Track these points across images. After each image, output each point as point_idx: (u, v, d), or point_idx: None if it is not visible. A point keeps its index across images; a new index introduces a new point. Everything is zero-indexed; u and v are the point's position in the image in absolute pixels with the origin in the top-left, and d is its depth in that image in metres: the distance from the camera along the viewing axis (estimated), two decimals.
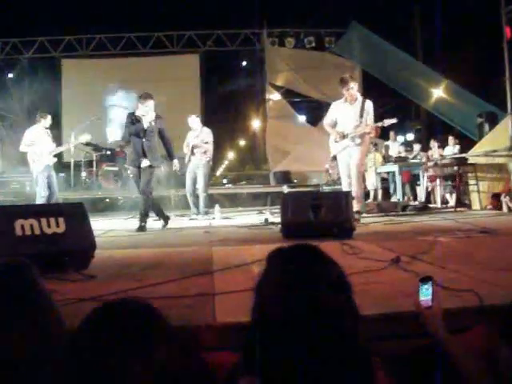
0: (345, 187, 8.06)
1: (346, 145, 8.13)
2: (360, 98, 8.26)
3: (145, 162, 8.22)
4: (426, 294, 1.96)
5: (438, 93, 15.43)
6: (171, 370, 1.20)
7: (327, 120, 8.53)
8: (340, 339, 1.32)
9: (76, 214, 4.12)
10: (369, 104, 8.18)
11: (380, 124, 8.22)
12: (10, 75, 18.77)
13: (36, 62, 18.77)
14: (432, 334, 1.87)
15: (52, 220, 3.89)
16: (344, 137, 8.14)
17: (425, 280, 1.97)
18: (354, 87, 8.29)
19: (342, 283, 1.44)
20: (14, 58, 18.45)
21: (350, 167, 8.20)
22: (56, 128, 18.43)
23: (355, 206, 7.96)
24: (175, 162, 9.36)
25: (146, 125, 8.20)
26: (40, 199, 10.01)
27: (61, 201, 12.10)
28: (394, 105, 17.29)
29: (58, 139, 18.47)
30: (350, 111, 8.18)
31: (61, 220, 3.94)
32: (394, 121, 8.28)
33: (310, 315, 1.31)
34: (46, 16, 18.46)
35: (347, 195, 6.21)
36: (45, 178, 10.27)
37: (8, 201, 13.03)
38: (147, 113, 8.23)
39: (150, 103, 8.35)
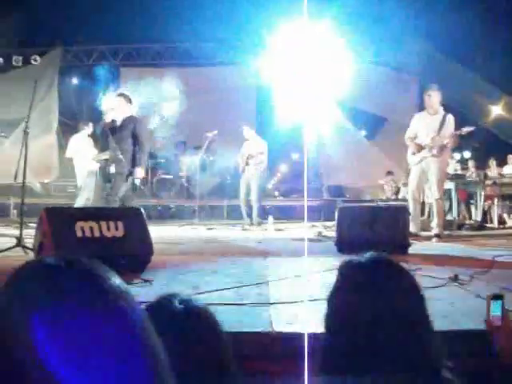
0: (410, 201, 7.85)
1: (422, 156, 7.92)
2: (442, 112, 8.06)
3: (112, 168, 7.49)
4: (495, 311, 1.92)
5: (497, 110, 15.15)
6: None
7: (409, 133, 8.30)
8: (417, 350, 1.32)
9: (135, 219, 4.18)
10: (450, 117, 7.97)
11: (458, 132, 8.00)
12: (75, 81, 19.25)
13: (96, 70, 19.20)
14: (499, 353, 1.82)
15: (111, 223, 3.97)
16: (422, 148, 7.92)
17: (496, 298, 1.92)
18: (432, 95, 8.12)
19: (417, 295, 1.45)
20: (76, 65, 18.90)
21: (431, 184, 7.99)
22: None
23: (435, 228, 7.81)
24: (137, 170, 7.61)
25: (109, 124, 7.51)
26: (79, 204, 9.98)
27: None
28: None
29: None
30: (429, 122, 8.00)
31: (120, 224, 4.01)
32: (471, 129, 8.08)
33: (387, 326, 1.32)
34: (107, 25, 18.89)
35: (403, 210, 6.14)
36: (88, 183, 10.27)
37: (64, 204, 13.32)
38: (118, 111, 7.52)
39: (117, 103, 7.59)
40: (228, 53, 18.52)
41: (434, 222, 7.84)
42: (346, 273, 1.55)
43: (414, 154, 8.04)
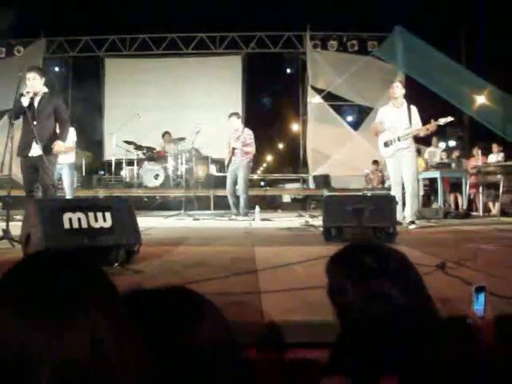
0: (395, 193, 7.85)
1: (397, 148, 8.03)
2: (405, 103, 8.20)
3: (34, 151, 6.80)
4: (479, 303, 1.94)
5: (481, 99, 15.20)
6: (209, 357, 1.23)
7: (375, 126, 8.45)
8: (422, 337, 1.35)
9: (122, 210, 4.18)
10: (414, 109, 8.14)
11: (436, 122, 8.08)
12: (57, 74, 19.12)
13: (80, 61, 19.10)
14: (485, 343, 1.84)
15: (99, 214, 3.96)
16: (391, 142, 8.06)
17: (479, 289, 1.94)
18: (398, 87, 8.27)
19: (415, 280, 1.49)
20: (60, 56, 18.77)
21: (404, 174, 8.09)
22: (98, 125, 18.77)
23: (409, 216, 7.91)
24: (58, 143, 6.94)
25: (26, 102, 6.62)
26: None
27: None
28: (436, 110, 17.06)
29: (99, 137, 18.84)
30: (398, 114, 8.12)
31: (108, 215, 4.01)
32: (450, 119, 8.13)
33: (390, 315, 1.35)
34: (91, 15, 18.78)
35: (391, 199, 6.16)
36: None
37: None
38: (33, 88, 6.75)
39: (32, 75, 6.82)
40: (214, 43, 18.45)
41: (408, 210, 7.93)
42: (338, 263, 1.58)
43: (386, 146, 8.15)
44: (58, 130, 7.11)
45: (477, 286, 1.94)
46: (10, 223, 5.81)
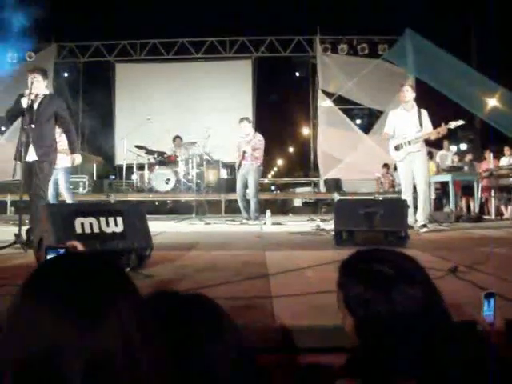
0: (406, 197, 7.81)
1: (407, 151, 8.01)
2: (416, 107, 8.17)
3: (31, 155, 6.37)
4: (489, 309, 1.93)
5: (493, 102, 15.14)
6: (223, 366, 1.24)
7: (387, 129, 8.42)
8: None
9: (134, 214, 4.19)
10: (424, 112, 8.11)
11: (447, 126, 8.06)
12: (66, 78, 19.23)
13: (91, 66, 19.21)
14: (495, 348, 1.84)
15: (111, 219, 3.99)
16: (402, 146, 8.05)
17: (489, 295, 1.94)
18: (408, 90, 8.24)
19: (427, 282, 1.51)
20: (71, 61, 18.89)
21: (415, 178, 8.06)
22: (109, 130, 18.86)
23: (421, 220, 7.88)
24: (74, 156, 6.90)
25: (25, 104, 6.29)
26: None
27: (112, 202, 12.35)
28: (447, 113, 17.00)
29: (110, 142, 18.93)
30: (408, 118, 8.10)
31: (119, 219, 4.03)
32: (460, 122, 8.10)
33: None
34: (102, 21, 18.90)
35: (402, 203, 6.15)
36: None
37: (62, 200, 13.33)
38: (34, 89, 6.40)
39: (34, 76, 6.47)
40: (224, 47, 18.50)
41: (420, 214, 7.90)
42: (349, 268, 1.60)
43: (397, 149, 8.14)
44: (58, 136, 6.89)
45: (486, 292, 1.94)
46: (24, 227, 5.84)
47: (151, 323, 1.09)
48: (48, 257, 2.48)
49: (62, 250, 2.44)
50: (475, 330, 1.89)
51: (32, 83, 6.40)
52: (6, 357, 0.98)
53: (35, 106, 6.41)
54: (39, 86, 6.48)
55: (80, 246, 2.45)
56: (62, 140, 7.51)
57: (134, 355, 0.99)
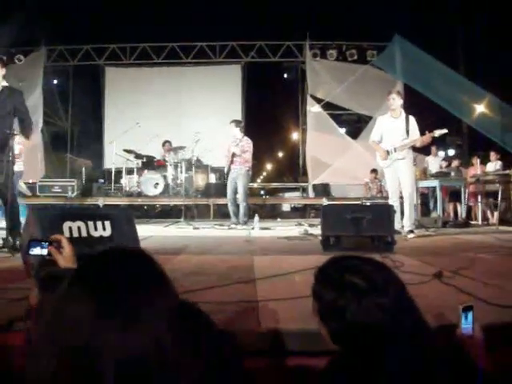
0: (392, 203, 7.85)
1: (394, 158, 8.07)
2: (403, 114, 8.23)
3: None
4: (467, 323, 1.96)
5: (481, 108, 15.23)
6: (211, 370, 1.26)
7: (374, 136, 8.47)
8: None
9: (122, 219, 4.21)
10: (412, 119, 8.16)
11: (431, 134, 8.12)
12: (55, 82, 19.17)
13: (81, 70, 19.17)
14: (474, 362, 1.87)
15: (99, 223, 4.00)
16: (387, 155, 8.11)
17: (466, 309, 1.97)
18: (395, 98, 8.29)
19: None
20: (60, 65, 18.84)
21: (401, 184, 8.12)
22: (98, 133, 18.84)
23: (407, 225, 7.94)
24: (24, 141, 6.42)
25: None
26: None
27: (101, 206, 12.34)
28: (435, 119, 17.09)
29: (99, 146, 18.91)
30: (395, 126, 8.15)
31: (107, 223, 4.05)
32: (444, 131, 8.17)
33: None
34: (91, 24, 18.87)
35: (389, 208, 6.19)
36: None
37: (49, 204, 13.31)
38: None
39: None
40: (214, 52, 18.52)
41: (406, 219, 7.96)
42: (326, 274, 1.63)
43: (383, 159, 8.22)
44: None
45: (464, 306, 1.97)
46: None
47: (181, 323, 1.13)
48: (31, 249, 2.47)
49: (45, 244, 2.44)
50: (454, 333, 1.92)
51: None
52: (47, 344, 1.01)
53: None
54: None
55: (64, 239, 2.45)
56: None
57: (165, 355, 1.02)
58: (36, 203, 12.83)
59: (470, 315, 1.95)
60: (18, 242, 5.59)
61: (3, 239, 5.63)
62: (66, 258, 2.36)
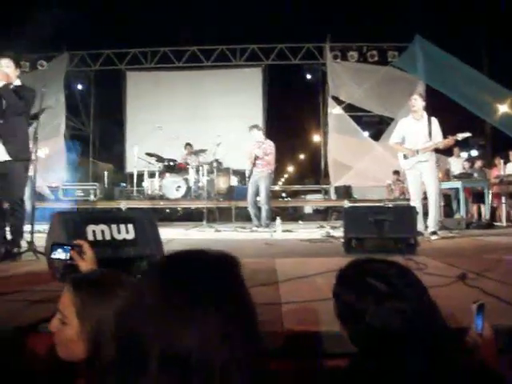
0: (415, 204, 7.79)
1: (416, 160, 8.02)
2: (425, 116, 8.17)
3: (1, 155, 5.77)
4: (478, 320, 1.94)
5: (504, 108, 15.08)
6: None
7: (395, 138, 8.42)
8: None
9: (145, 222, 4.24)
10: (434, 121, 8.10)
11: (454, 137, 8.05)
12: (79, 87, 19.34)
13: (102, 74, 19.32)
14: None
15: (122, 226, 4.03)
16: (415, 153, 8.03)
17: (480, 307, 1.95)
18: (417, 99, 8.24)
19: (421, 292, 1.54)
20: (82, 70, 19.00)
21: (426, 186, 8.07)
22: (120, 137, 18.98)
23: (431, 227, 7.88)
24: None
25: None
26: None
27: (123, 209, 12.42)
28: (457, 120, 16.95)
29: (121, 149, 19.05)
30: (418, 128, 8.10)
31: (130, 227, 4.07)
32: (467, 134, 8.08)
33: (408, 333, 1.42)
34: (112, 29, 19.00)
35: (411, 210, 6.16)
36: None
37: (73, 208, 13.42)
38: (3, 76, 5.76)
39: (4, 63, 5.85)
40: (234, 55, 18.56)
41: (430, 220, 7.90)
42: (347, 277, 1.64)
43: (405, 158, 8.15)
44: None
45: (478, 304, 1.95)
46: (36, 235, 5.87)
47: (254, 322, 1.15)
48: (53, 253, 2.52)
49: (67, 248, 2.48)
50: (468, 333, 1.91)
51: (3, 72, 5.78)
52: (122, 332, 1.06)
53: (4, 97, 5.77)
54: (10, 73, 5.85)
55: (86, 244, 2.48)
56: None
57: (231, 353, 1.03)
58: (59, 207, 12.95)
59: (480, 313, 1.93)
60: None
61: (28, 242, 5.68)
62: (87, 263, 2.39)
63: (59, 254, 2.49)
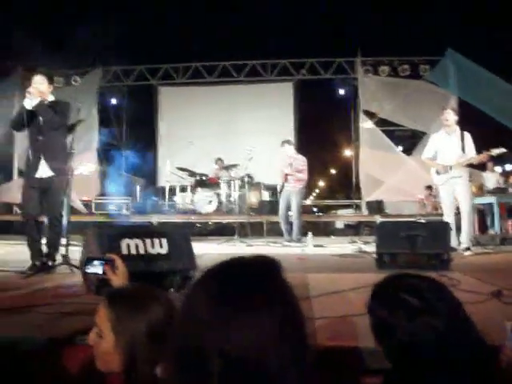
0: (448, 220, 7.70)
1: (450, 176, 7.94)
2: (459, 130, 8.09)
3: (43, 171, 5.85)
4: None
5: None
6: None
7: (427, 153, 8.36)
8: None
9: (179, 236, 4.28)
10: (468, 136, 8.01)
11: (488, 153, 7.95)
12: (112, 101, 19.58)
13: (135, 89, 19.55)
14: None
15: (156, 241, 4.08)
16: (448, 169, 7.95)
17: None
18: (450, 114, 8.17)
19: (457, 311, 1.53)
20: (115, 85, 19.24)
21: (460, 202, 7.98)
22: (152, 152, 19.15)
23: (465, 242, 7.78)
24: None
25: (29, 105, 5.73)
26: None
27: (155, 224, 12.50)
28: (491, 134, 16.76)
29: (153, 164, 19.21)
30: (450, 142, 8.02)
31: (164, 241, 4.12)
32: (502, 150, 7.94)
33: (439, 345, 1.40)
34: (145, 45, 19.25)
35: (445, 225, 6.11)
36: None
37: (106, 221, 13.56)
38: (37, 93, 5.79)
39: (37, 80, 5.90)
40: (266, 70, 18.63)
41: (463, 236, 7.79)
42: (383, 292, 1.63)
43: (438, 173, 8.06)
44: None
45: None
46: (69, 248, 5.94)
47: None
48: (87, 267, 2.57)
49: (101, 262, 2.53)
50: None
51: (37, 89, 5.84)
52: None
53: (29, 107, 5.80)
54: (44, 89, 5.93)
55: (118, 260, 2.53)
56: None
57: (284, 353, 1.05)
58: (92, 221, 13.10)
59: None
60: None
61: (63, 255, 5.75)
62: (119, 278, 2.44)
63: (93, 268, 2.54)
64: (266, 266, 1.19)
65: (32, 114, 5.83)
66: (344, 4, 21.36)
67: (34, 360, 2.49)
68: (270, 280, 1.14)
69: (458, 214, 8.11)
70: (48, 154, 5.87)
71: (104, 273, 2.48)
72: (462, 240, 7.83)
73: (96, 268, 2.53)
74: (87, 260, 2.64)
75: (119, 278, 2.45)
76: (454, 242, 7.40)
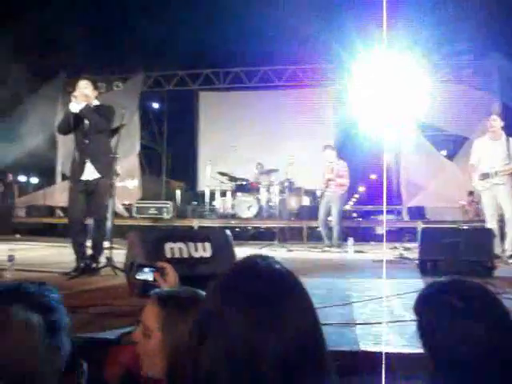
0: (491, 227, 7.57)
1: (492, 183, 7.82)
2: (504, 136, 7.96)
3: (89, 173, 6.01)
4: None
5: None
6: None
7: (472, 159, 8.25)
8: None
9: (221, 240, 4.33)
10: None
11: None
12: (154, 106, 19.81)
13: (175, 95, 19.74)
14: None
15: (199, 245, 4.14)
16: (488, 176, 7.83)
17: None
18: (496, 120, 8.04)
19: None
20: (156, 90, 19.45)
21: (504, 209, 7.84)
22: (192, 156, 19.31)
23: (509, 250, 7.65)
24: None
25: (75, 109, 5.89)
26: None
27: (195, 228, 12.60)
28: None
29: (193, 168, 19.36)
30: (495, 148, 7.89)
31: (207, 245, 4.18)
32: None
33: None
34: (185, 51, 19.40)
35: (488, 232, 6.04)
36: None
37: (147, 225, 13.71)
38: (83, 97, 5.98)
39: (82, 85, 6.09)
40: (306, 75, 18.62)
41: (508, 243, 7.65)
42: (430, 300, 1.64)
43: (481, 179, 7.93)
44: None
45: None
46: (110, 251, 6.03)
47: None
48: (138, 274, 2.63)
49: (151, 269, 2.58)
50: None
51: (82, 93, 6.02)
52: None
53: (75, 110, 5.95)
54: (89, 94, 6.10)
55: (169, 267, 2.58)
56: None
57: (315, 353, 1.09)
58: (133, 224, 13.27)
59: None
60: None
61: (107, 258, 5.85)
62: (169, 285, 2.49)
63: (144, 275, 2.60)
64: (289, 274, 1.23)
65: (78, 118, 5.97)
66: None
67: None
68: (290, 290, 1.18)
69: (501, 220, 7.98)
70: (94, 157, 6.01)
71: (154, 280, 2.54)
72: (506, 247, 7.70)
73: (147, 275, 2.59)
74: (138, 267, 2.70)
75: (169, 285, 2.50)
76: (497, 250, 7.29)
